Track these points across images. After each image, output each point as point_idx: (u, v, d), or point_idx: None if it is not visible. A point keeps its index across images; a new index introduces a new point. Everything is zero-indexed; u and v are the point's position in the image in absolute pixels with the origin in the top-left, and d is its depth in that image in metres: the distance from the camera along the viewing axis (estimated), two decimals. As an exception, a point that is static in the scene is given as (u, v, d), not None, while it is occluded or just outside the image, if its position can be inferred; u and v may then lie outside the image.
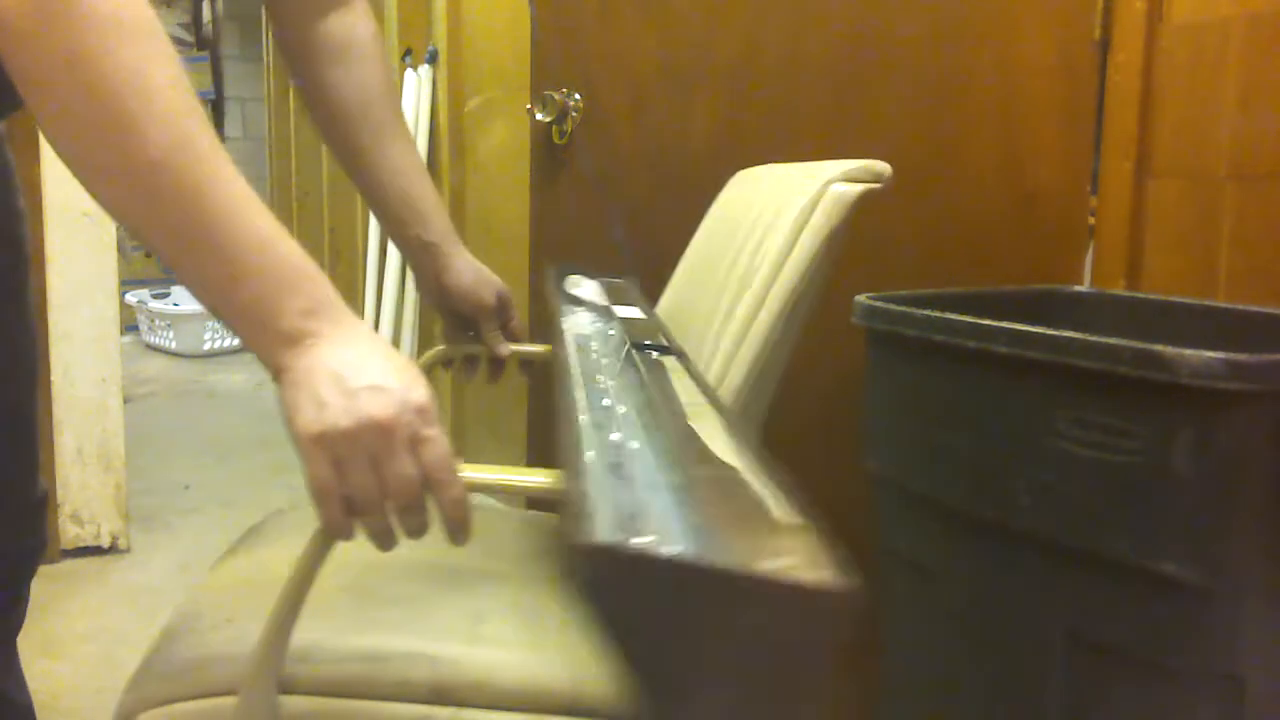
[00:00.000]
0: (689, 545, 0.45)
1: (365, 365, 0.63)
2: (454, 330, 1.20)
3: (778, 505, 0.51)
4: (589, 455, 0.57)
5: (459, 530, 0.66)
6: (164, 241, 0.65)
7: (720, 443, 0.61)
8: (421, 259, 1.14)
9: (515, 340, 1.19)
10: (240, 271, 0.64)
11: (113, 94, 0.61)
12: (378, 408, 0.62)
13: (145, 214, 0.64)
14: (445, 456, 0.64)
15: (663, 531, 0.46)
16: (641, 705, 0.43)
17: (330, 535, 0.65)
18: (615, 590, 0.42)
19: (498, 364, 1.20)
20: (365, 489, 0.62)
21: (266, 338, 0.64)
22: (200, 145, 0.63)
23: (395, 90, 1.13)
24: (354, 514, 0.64)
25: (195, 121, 0.63)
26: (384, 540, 0.66)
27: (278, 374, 0.65)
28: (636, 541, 0.44)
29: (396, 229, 1.13)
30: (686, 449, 0.58)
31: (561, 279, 1.18)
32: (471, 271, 1.15)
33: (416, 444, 0.63)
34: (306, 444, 0.62)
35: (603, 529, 0.45)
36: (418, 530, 0.66)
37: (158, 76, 0.62)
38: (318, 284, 0.66)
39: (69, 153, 0.64)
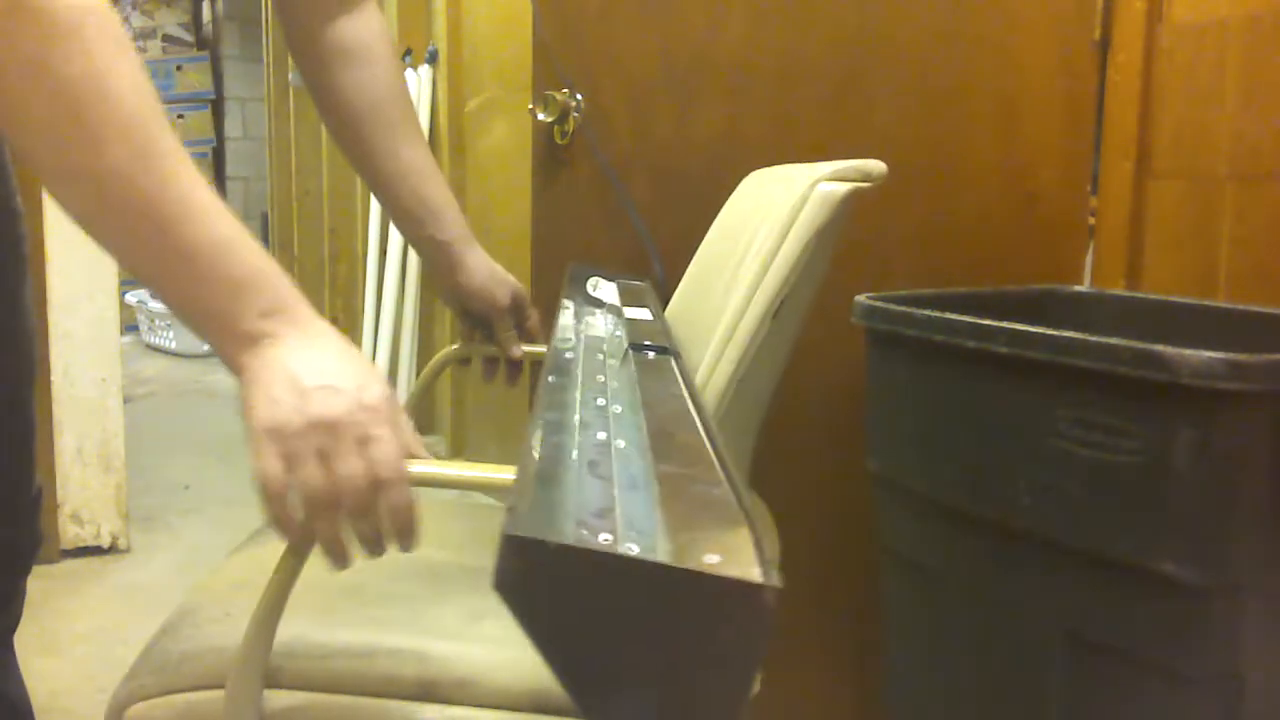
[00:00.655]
0: (643, 543, 0.45)
1: (320, 365, 0.64)
2: (469, 330, 1.21)
3: (730, 502, 0.51)
4: (571, 453, 0.57)
5: (403, 534, 0.66)
6: (124, 246, 0.65)
7: (696, 441, 0.62)
8: (435, 258, 1.15)
9: (532, 339, 1.20)
10: (199, 276, 0.65)
11: (73, 101, 0.61)
12: (328, 407, 0.63)
13: (105, 219, 0.65)
14: (393, 456, 0.64)
15: (627, 528, 0.46)
16: (572, 698, 0.43)
17: (278, 530, 0.65)
18: (536, 585, 0.42)
19: (514, 365, 1.20)
20: (313, 484, 0.62)
21: (226, 339, 0.66)
22: (161, 152, 0.63)
23: (406, 91, 1.14)
24: (306, 513, 0.64)
25: (156, 128, 0.64)
26: (336, 551, 0.66)
27: (238, 373, 0.66)
28: (595, 536, 0.44)
29: (410, 228, 1.13)
30: (656, 447, 0.58)
31: (581, 280, 1.18)
32: (484, 271, 1.15)
33: (365, 442, 0.63)
34: (256, 439, 0.63)
35: (536, 525, 0.44)
36: (371, 538, 0.66)
37: (119, 83, 0.62)
38: (277, 286, 0.67)
39: (31, 157, 0.64)
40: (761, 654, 0.41)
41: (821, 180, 0.87)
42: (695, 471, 0.55)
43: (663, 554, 0.43)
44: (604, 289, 1.15)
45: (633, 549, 0.43)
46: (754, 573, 0.41)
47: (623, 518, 0.48)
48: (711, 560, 0.42)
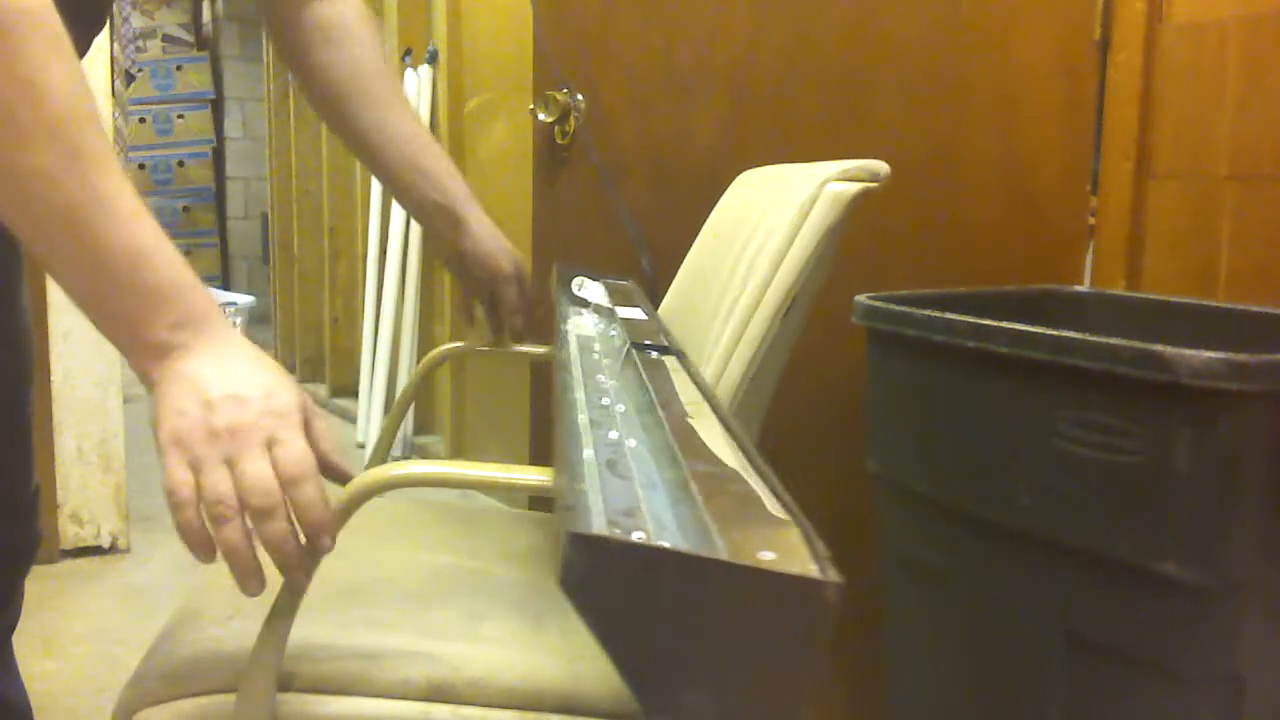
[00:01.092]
0: (680, 539, 0.45)
1: (227, 375, 0.65)
2: (469, 296, 1.21)
3: (768, 501, 0.51)
4: (585, 452, 0.58)
5: (315, 532, 0.65)
6: (44, 246, 0.65)
7: (716, 440, 0.62)
8: (437, 222, 1.14)
9: (524, 310, 1.20)
10: (115, 283, 0.64)
11: (2, 101, 0.61)
12: (233, 416, 0.63)
13: (27, 218, 0.64)
14: (300, 455, 0.64)
15: (656, 526, 0.47)
16: (636, 696, 0.44)
17: (187, 543, 0.64)
18: (605, 582, 0.43)
19: (515, 335, 1.22)
20: (219, 489, 0.62)
21: (137, 348, 0.66)
22: (88, 155, 0.63)
23: (390, 68, 1.14)
24: (212, 522, 0.63)
25: (87, 131, 0.63)
26: (243, 560, 0.64)
27: (148, 385, 0.66)
28: (627, 535, 0.44)
29: (409, 194, 1.13)
30: (682, 446, 0.59)
31: (566, 280, 1.19)
32: (491, 238, 1.15)
33: (271, 445, 0.63)
34: (163, 451, 0.63)
35: (595, 522, 0.45)
36: (279, 541, 0.64)
37: (51, 85, 0.62)
38: (191, 298, 0.66)
39: None
40: (824, 650, 0.42)
41: (831, 180, 0.87)
42: (729, 470, 0.56)
43: (720, 552, 0.43)
44: (589, 288, 1.15)
45: (682, 545, 0.44)
46: (812, 569, 0.42)
47: (650, 516, 0.48)
48: (767, 557, 0.43)
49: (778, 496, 0.52)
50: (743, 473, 0.56)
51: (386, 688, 0.76)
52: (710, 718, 0.43)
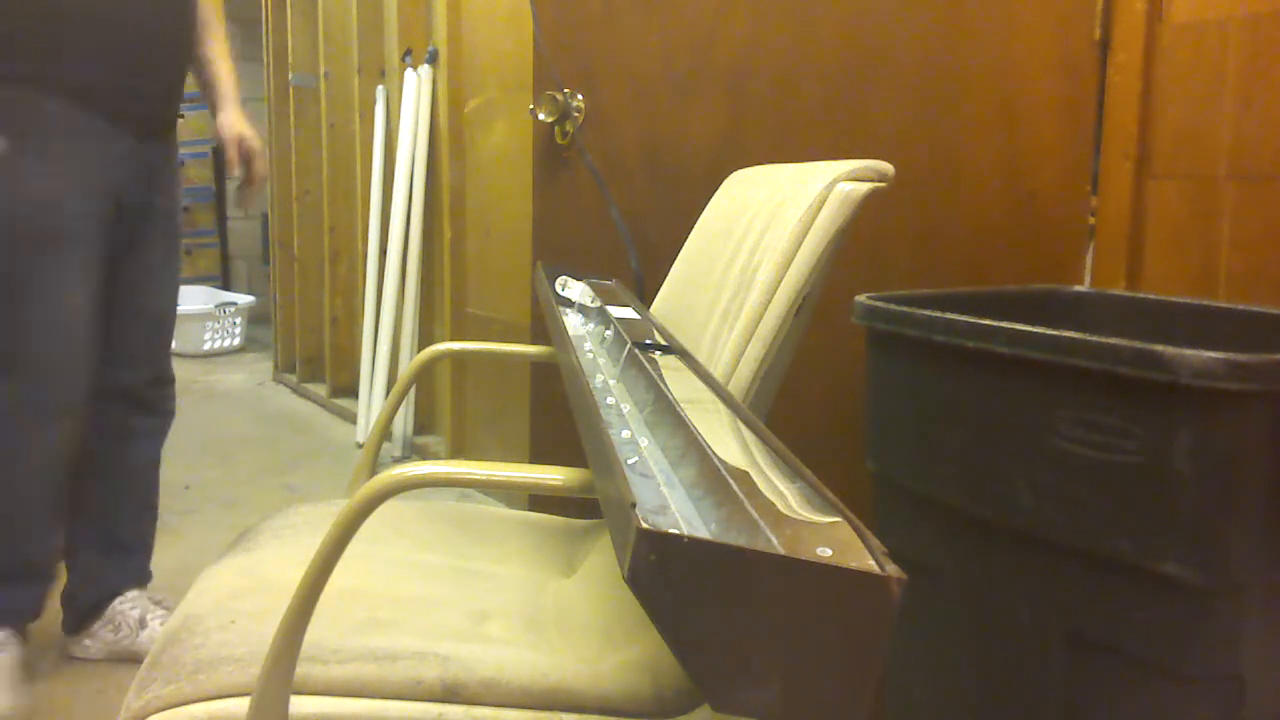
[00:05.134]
0: (728, 536, 0.46)
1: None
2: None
3: (809, 497, 0.52)
4: (621, 454, 0.58)
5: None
6: None
7: (735, 438, 0.62)
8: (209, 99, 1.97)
9: (246, 178, 2.03)
10: None
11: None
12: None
13: None
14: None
15: (687, 524, 0.47)
16: (701, 689, 0.44)
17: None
18: (674, 578, 0.43)
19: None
20: None
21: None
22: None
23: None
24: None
25: None
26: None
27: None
28: (691, 532, 0.45)
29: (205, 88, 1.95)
30: (705, 445, 0.59)
31: (551, 280, 1.19)
32: (226, 123, 1.95)
33: None
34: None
35: (660, 520, 0.46)
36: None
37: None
38: None
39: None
40: (886, 642, 0.43)
41: (842, 180, 0.87)
42: (761, 468, 0.56)
43: (779, 550, 0.44)
44: (573, 289, 1.16)
45: (754, 543, 0.44)
46: (870, 564, 0.43)
47: (679, 514, 0.49)
48: (825, 554, 0.43)
49: (819, 492, 0.52)
50: (773, 470, 0.56)
51: (400, 689, 0.76)
52: (774, 710, 0.44)
